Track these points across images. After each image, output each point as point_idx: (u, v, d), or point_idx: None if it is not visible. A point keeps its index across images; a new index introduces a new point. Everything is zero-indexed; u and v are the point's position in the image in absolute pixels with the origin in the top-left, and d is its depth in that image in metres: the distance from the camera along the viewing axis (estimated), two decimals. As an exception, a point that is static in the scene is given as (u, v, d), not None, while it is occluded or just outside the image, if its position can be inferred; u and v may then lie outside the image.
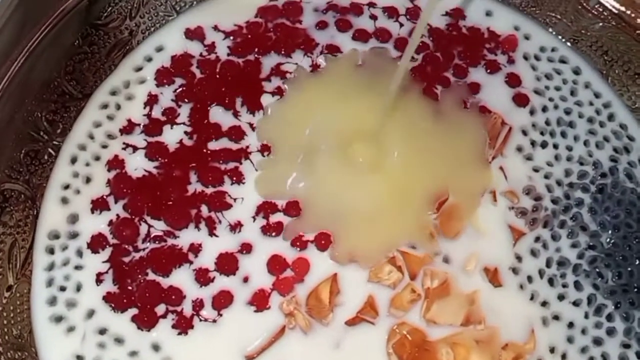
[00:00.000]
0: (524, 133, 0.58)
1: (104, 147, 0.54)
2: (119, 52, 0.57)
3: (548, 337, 0.51)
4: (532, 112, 0.58)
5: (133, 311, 0.49)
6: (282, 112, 0.56)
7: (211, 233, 0.51)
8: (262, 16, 0.59)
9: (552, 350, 0.51)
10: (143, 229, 0.51)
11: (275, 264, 0.51)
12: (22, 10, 0.49)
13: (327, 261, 0.51)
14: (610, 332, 0.52)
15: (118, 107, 0.55)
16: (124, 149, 0.54)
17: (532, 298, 0.52)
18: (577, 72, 0.61)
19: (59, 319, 0.48)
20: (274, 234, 0.52)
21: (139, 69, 0.57)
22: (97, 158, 0.53)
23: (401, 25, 0.61)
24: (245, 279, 0.50)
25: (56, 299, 0.49)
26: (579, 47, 0.61)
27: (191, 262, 0.50)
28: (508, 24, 0.62)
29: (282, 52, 0.58)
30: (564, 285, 0.53)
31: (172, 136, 0.54)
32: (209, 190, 0.53)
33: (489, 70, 0.60)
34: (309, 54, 0.58)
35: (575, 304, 0.52)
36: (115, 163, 0.53)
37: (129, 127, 0.54)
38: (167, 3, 0.59)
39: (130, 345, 0.48)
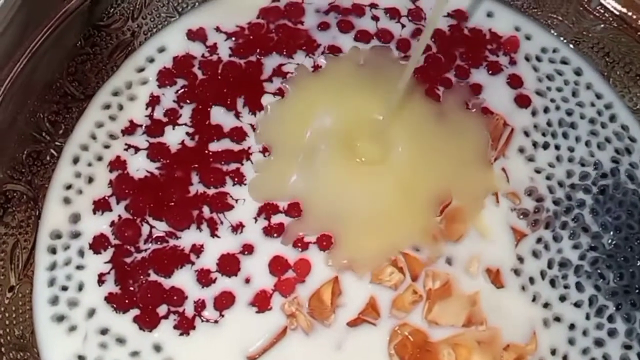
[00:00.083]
0: (526, 134, 0.58)
1: (106, 147, 0.54)
2: (121, 53, 0.57)
3: (549, 339, 0.51)
4: (533, 113, 0.58)
5: (135, 312, 0.49)
6: (282, 111, 0.56)
7: (213, 234, 0.51)
8: (264, 17, 0.59)
9: (553, 352, 0.51)
10: (145, 229, 0.51)
11: (277, 265, 0.51)
12: (25, 12, 0.49)
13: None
14: (612, 333, 0.52)
15: (120, 107, 0.55)
16: (125, 149, 0.54)
17: (533, 299, 0.52)
18: (578, 73, 0.61)
19: (60, 318, 0.48)
20: (275, 235, 0.52)
21: (141, 70, 0.57)
22: (100, 158, 0.53)
23: (403, 26, 0.61)
24: (247, 280, 0.50)
25: (58, 299, 0.49)
26: (580, 49, 0.61)
27: (193, 263, 0.50)
28: (509, 25, 0.62)
29: (284, 53, 0.58)
30: (566, 287, 0.53)
31: (174, 137, 0.54)
32: (211, 191, 0.53)
33: (490, 72, 0.60)
34: (310, 55, 0.58)
35: (577, 305, 0.52)
36: (117, 164, 0.53)
37: (130, 128, 0.54)
38: (169, 4, 0.59)
39: (131, 346, 0.48)
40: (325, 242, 0.52)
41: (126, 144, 0.54)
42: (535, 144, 0.57)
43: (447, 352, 0.49)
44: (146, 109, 0.55)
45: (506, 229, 0.54)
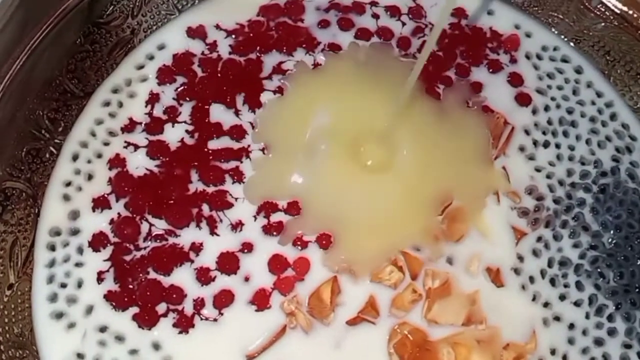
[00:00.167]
0: (527, 132, 0.57)
1: (106, 144, 0.54)
2: (121, 51, 0.57)
3: (549, 338, 0.51)
4: (534, 112, 0.58)
5: (134, 310, 0.49)
6: (280, 108, 0.55)
7: (212, 232, 0.51)
8: (264, 15, 0.59)
9: (553, 352, 0.51)
10: (144, 227, 0.51)
11: (276, 263, 0.51)
12: (24, 9, 0.49)
13: (328, 261, 0.51)
14: (612, 332, 0.52)
15: (120, 104, 0.55)
16: (125, 147, 0.53)
17: (533, 299, 0.52)
18: (579, 71, 0.60)
19: (59, 315, 0.48)
20: (275, 233, 0.52)
21: (141, 67, 0.56)
22: (99, 155, 0.53)
23: (403, 24, 0.60)
24: (246, 278, 0.50)
25: (57, 296, 0.49)
26: (581, 47, 0.61)
27: (192, 261, 0.50)
28: (510, 23, 0.62)
29: (284, 51, 0.58)
30: (566, 286, 0.53)
31: (174, 135, 0.54)
32: (210, 189, 0.52)
33: (491, 70, 0.60)
34: (310, 53, 0.58)
35: (577, 304, 0.52)
36: (117, 161, 0.53)
37: (130, 126, 0.54)
38: (169, 2, 0.59)
39: (130, 344, 0.48)
40: (324, 241, 0.51)
41: (126, 142, 0.54)
42: (535, 143, 0.57)
43: (446, 351, 0.49)
44: (146, 106, 0.55)
45: (506, 228, 0.54)
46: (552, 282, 0.53)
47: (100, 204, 0.52)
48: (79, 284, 0.49)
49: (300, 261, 0.51)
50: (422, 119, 0.56)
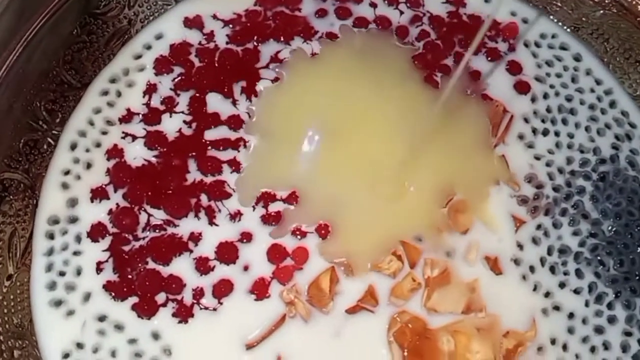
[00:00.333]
0: (526, 120, 0.57)
1: (104, 133, 0.53)
2: (118, 41, 0.57)
3: (549, 328, 0.51)
4: (533, 100, 0.58)
5: (133, 299, 0.49)
6: (277, 96, 0.55)
7: (211, 222, 0.51)
8: (261, 4, 0.59)
9: (553, 341, 0.51)
10: (143, 217, 0.51)
11: (275, 252, 0.51)
12: (20, 0, 0.49)
13: (326, 250, 0.51)
14: (612, 320, 0.52)
15: (118, 94, 0.55)
16: (123, 138, 0.53)
17: (534, 288, 0.52)
18: (577, 59, 0.60)
19: (58, 303, 0.48)
20: (273, 223, 0.52)
21: (138, 57, 0.56)
22: (98, 144, 0.53)
23: (401, 12, 0.60)
24: (246, 268, 0.50)
25: (55, 284, 0.49)
26: (579, 35, 0.61)
27: (191, 251, 0.50)
28: (508, 11, 0.62)
29: (281, 40, 0.58)
30: (565, 273, 0.53)
31: (171, 125, 0.54)
32: (208, 179, 0.52)
33: (489, 58, 0.59)
34: (308, 42, 0.58)
35: (576, 292, 0.52)
36: (115, 152, 0.53)
37: (128, 116, 0.54)
38: (166, -8, 0.59)
39: (130, 333, 0.48)
40: (323, 230, 0.51)
41: (123, 132, 0.54)
42: (534, 131, 0.57)
43: (446, 339, 0.49)
44: (143, 97, 0.55)
45: (506, 216, 0.54)
46: (552, 270, 0.53)
47: (98, 194, 0.52)
48: (78, 272, 0.49)
49: (299, 250, 0.51)
50: (422, 111, 0.55)
